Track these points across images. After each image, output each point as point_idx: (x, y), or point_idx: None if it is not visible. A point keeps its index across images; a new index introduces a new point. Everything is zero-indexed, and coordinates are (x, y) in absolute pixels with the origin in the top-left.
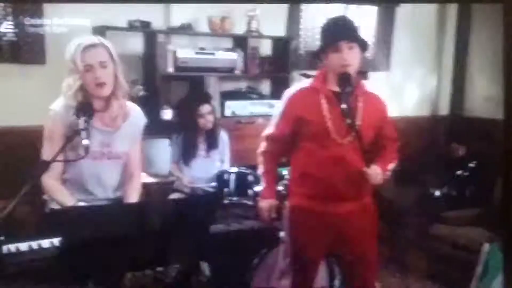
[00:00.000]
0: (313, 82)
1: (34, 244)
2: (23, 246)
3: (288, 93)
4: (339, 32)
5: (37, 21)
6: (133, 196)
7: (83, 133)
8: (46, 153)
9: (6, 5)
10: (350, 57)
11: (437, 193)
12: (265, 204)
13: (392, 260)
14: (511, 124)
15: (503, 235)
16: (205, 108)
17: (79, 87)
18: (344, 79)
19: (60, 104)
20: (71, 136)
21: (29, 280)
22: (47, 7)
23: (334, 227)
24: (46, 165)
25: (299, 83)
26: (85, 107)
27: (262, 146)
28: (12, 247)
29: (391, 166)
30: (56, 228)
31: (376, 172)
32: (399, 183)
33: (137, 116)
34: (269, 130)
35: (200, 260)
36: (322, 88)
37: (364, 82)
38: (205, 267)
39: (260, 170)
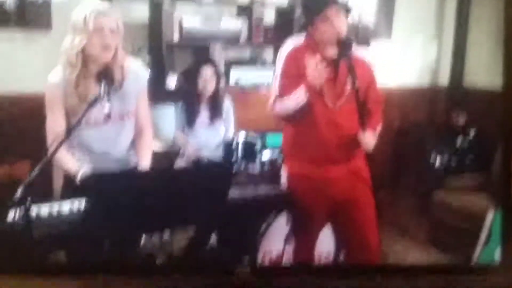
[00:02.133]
0: (305, 41)
1: (55, 208)
2: (44, 210)
3: (284, 51)
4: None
5: None
6: (145, 154)
7: (106, 98)
8: (51, 124)
9: None
10: (339, 25)
11: (438, 160)
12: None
13: (393, 226)
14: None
15: (502, 201)
16: (207, 69)
17: (81, 48)
18: (346, 45)
19: (57, 74)
20: (93, 101)
21: (51, 242)
22: None
23: (328, 190)
24: (67, 133)
25: (292, 40)
26: (107, 73)
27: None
28: (35, 209)
29: (378, 129)
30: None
31: (371, 139)
32: (400, 151)
33: (136, 73)
34: (276, 92)
35: (214, 228)
36: (316, 50)
37: (352, 46)
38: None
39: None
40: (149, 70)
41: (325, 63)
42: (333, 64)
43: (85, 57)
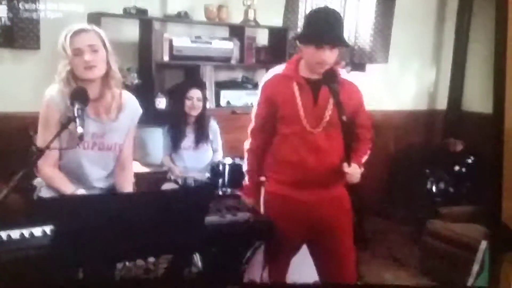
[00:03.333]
0: (285, 69)
1: (26, 232)
2: (15, 233)
3: (263, 80)
4: (326, 33)
5: (32, 6)
6: (126, 186)
7: (78, 121)
8: (41, 140)
9: None
10: (329, 58)
11: (434, 188)
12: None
13: (387, 255)
14: (501, 120)
15: (491, 232)
16: (194, 93)
17: (68, 73)
18: (330, 74)
19: (54, 90)
20: (66, 123)
21: (20, 268)
22: None
23: (306, 214)
24: (40, 153)
25: (274, 68)
26: (80, 94)
27: (248, 142)
28: (3, 234)
29: (365, 159)
30: (46, 217)
31: (356, 171)
32: (396, 177)
33: (133, 107)
34: (252, 124)
35: (193, 252)
36: (295, 75)
37: (339, 70)
38: (197, 259)
39: (245, 167)
40: (138, 91)
41: (306, 86)
42: (314, 88)
43: (76, 80)
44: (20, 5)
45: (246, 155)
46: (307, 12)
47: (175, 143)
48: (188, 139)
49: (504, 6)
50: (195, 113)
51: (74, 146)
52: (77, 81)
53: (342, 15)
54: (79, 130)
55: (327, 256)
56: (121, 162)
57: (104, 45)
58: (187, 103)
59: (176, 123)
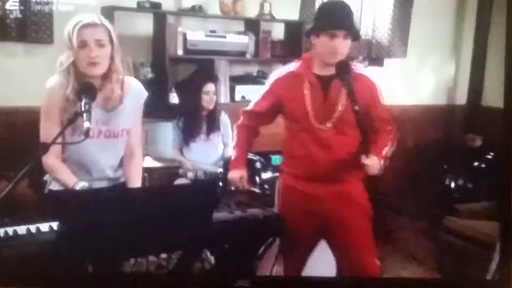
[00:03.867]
0: (298, 67)
1: (33, 228)
2: (22, 229)
3: (274, 75)
4: (338, 19)
5: (44, 0)
6: (135, 176)
7: (85, 115)
8: (44, 131)
9: None
10: (342, 46)
11: (452, 184)
12: (235, 174)
13: (402, 251)
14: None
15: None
16: (210, 87)
17: (70, 65)
18: (342, 67)
19: (54, 80)
20: (73, 118)
21: (27, 264)
22: None
23: (319, 208)
24: (46, 147)
25: (287, 66)
26: (88, 89)
27: (240, 120)
28: (10, 230)
29: (387, 150)
30: (55, 211)
31: (375, 163)
32: (413, 173)
33: (137, 92)
34: (249, 106)
35: (202, 247)
36: (306, 73)
37: (353, 63)
38: (208, 255)
39: (234, 142)
40: (152, 85)
41: (317, 84)
42: (325, 84)
43: (77, 73)
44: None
45: (236, 131)
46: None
47: (187, 136)
48: (200, 132)
49: None
50: (211, 106)
51: (81, 140)
52: (78, 74)
53: (359, 7)
54: (86, 124)
55: (343, 252)
56: (130, 150)
57: (111, 40)
58: (205, 97)
59: (191, 117)
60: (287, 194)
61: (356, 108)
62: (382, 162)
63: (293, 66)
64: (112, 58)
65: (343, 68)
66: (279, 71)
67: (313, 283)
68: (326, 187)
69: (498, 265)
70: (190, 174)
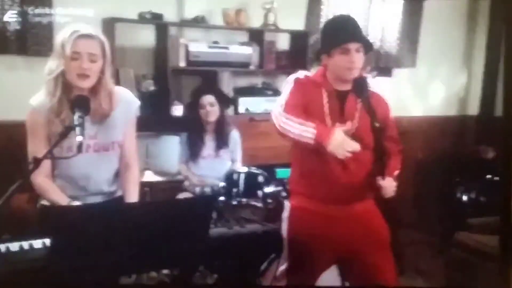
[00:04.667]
0: (314, 76)
1: (26, 244)
2: (14, 246)
3: (294, 76)
4: (348, 33)
5: (45, 12)
6: (132, 189)
7: (78, 129)
8: (31, 149)
9: None
10: (358, 60)
11: (464, 198)
12: (337, 133)
13: (412, 267)
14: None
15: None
16: (206, 99)
17: (59, 74)
18: (361, 83)
19: (40, 98)
20: (65, 132)
21: (19, 282)
22: None
23: (337, 230)
24: (37, 163)
25: (301, 72)
26: (81, 102)
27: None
28: (2, 246)
29: (397, 173)
30: (48, 227)
31: (391, 184)
32: (424, 186)
33: (127, 103)
34: (283, 102)
35: (199, 263)
36: (324, 83)
37: (369, 79)
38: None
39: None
40: (154, 97)
41: (335, 97)
42: (341, 98)
43: (65, 83)
44: (33, 11)
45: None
46: (325, 21)
47: (193, 151)
48: (208, 148)
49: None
50: (211, 119)
51: (73, 155)
52: (66, 85)
53: (367, 17)
54: (79, 139)
55: (365, 273)
56: (125, 162)
57: (104, 54)
58: (201, 110)
59: (195, 131)
60: (299, 217)
61: (377, 124)
62: (396, 183)
63: (308, 73)
64: (102, 72)
65: (361, 84)
66: (297, 74)
67: None
68: (345, 207)
69: (498, 274)
70: (195, 189)
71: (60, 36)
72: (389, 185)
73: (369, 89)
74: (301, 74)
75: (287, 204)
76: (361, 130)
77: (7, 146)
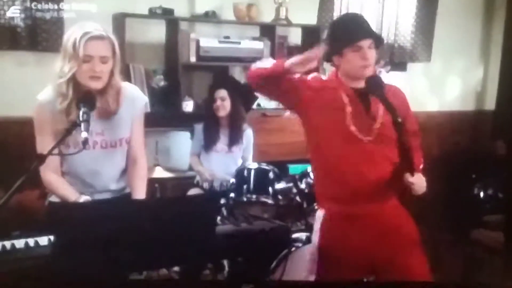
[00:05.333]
0: (328, 79)
1: (31, 241)
2: (19, 243)
3: (306, 76)
4: (359, 30)
5: (55, 7)
6: (139, 185)
7: (83, 125)
8: (39, 145)
9: None
10: (371, 56)
11: (481, 194)
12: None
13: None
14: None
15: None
16: (218, 93)
17: (72, 76)
18: (375, 81)
19: (47, 94)
20: (70, 128)
21: (25, 279)
22: None
23: (370, 232)
24: (41, 159)
25: (315, 75)
26: (87, 98)
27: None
28: (7, 243)
29: (421, 167)
30: (55, 224)
31: (421, 180)
32: (439, 183)
33: (133, 99)
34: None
35: (206, 261)
36: (341, 85)
37: (381, 74)
38: (225, 264)
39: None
40: (164, 93)
41: (354, 96)
42: (362, 97)
43: (76, 85)
44: (43, 7)
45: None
46: (331, 22)
47: (207, 143)
48: (221, 142)
49: None
50: (223, 113)
51: (78, 151)
52: (77, 86)
53: (380, 11)
54: (84, 135)
55: (403, 275)
56: (132, 157)
57: (114, 53)
58: (214, 104)
59: (209, 125)
60: (332, 226)
61: (399, 119)
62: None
63: (322, 76)
64: (112, 72)
65: (375, 82)
66: (311, 75)
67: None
68: (373, 206)
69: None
70: (205, 184)
71: (71, 37)
72: (420, 181)
73: (384, 85)
74: (310, 75)
75: (318, 215)
76: (385, 127)
77: (17, 142)
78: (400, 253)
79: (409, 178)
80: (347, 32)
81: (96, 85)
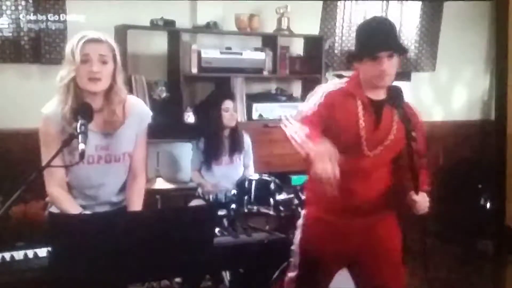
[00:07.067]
0: (348, 85)
1: (30, 253)
2: (19, 254)
3: (324, 88)
4: (380, 41)
5: (58, 20)
6: (136, 199)
7: (80, 137)
8: (44, 158)
9: (28, 4)
10: (389, 67)
11: (488, 205)
12: (321, 147)
13: (433, 277)
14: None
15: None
16: (229, 104)
17: (71, 81)
18: (397, 92)
19: (52, 106)
20: (67, 140)
21: None
22: (70, 5)
23: (350, 242)
24: (39, 170)
25: (332, 82)
26: (84, 109)
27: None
28: (6, 255)
29: (428, 189)
30: (54, 234)
31: (425, 200)
32: (446, 193)
33: (139, 113)
34: (303, 114)
35: (202, 274)
36: (358, 93)
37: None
38: (225, 276)
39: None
40: (166, 104)
41: (369, 107)
42: (378, 109)
43: (76, 91)
44: (47, 20)
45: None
46: (359, 24)
47: (209, 157)
48: (223, 154)
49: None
50: (233, 124)
51: (75, 163)
52: (78, 91)
53: None
54: (81, 146)
55: (371, 282)
56: (133, 172)
57: (115, 58)
58: (225, 115)
59: (212, 137)
60: (313, 226)
61: (413, 134)
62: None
63: (340, 83)
64: (113, 77)
65: (396, 93)
66: (327, 86)
67: None
68: (363, 219)
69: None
70: (209, 196)
71: (70, 44)
72: (423, 200)
73: (403, 97)
74: (332, 85)
75: (302, 212)
76: (395, 143)
77: (22, 155)
78: (373, 262)
79: (413, 196)
80: (368, 41)
81: (96, 87)
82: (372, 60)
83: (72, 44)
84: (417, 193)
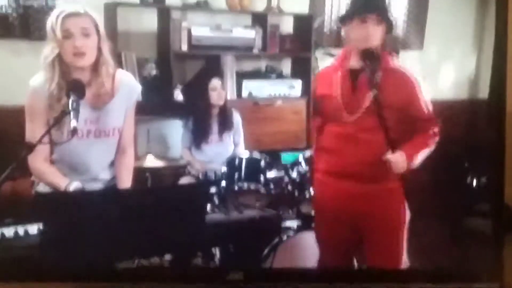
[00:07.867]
0: (335, 60)
1: (21, 230)
2: (9, 231)
3: (318, 75)
4: (371, 4)
5: None
6: (125, 175)
7: (72, 114)
8: (29, 132)
9: None
10: (375, 32)
11: (474, 183)
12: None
13: (420, 255)
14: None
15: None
16: (216, 82)
17: (55, 57)
18: (368, 55)
19: (38, 79)
20: (59, 116)
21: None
22: None
23: (350, 205)
24: (30, 147)
25: (328, 61)
26: (76, 86)
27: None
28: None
29: (422, 152)
30: (42, 213)
31: (398, 159)
32: (433, 172)
33: (129, 87)
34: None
35: (196, 249)
36: (343, 65)
37: (391, 58)
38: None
39: None
40: (156, 81)
41: (348, 75)
42: (353, 75)
43: (63, 66)
44: None
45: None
46: None
47: (198, 136)
48: (212, 131)
49: None
50: (221, 102)
51: (67, 140)
52: (65, 67)
53: None
54: (73, 124)
55: (373, 253)
56: (122, 148)
57: (97, 30)
58: (213, 94)
59: (201, 116)
60: (320, 189)
61: (375, 91)
62: (409, 162)
63: (331, 61)
64: (99, 49)
65: (369, 55)
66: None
67: (305, 274)
68: (359, 184)
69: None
70: (199, 174)
71: (49, 21)
72: (396, 160)
73: (387, 64)
74: (326, 63)
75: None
76: (374, 107)
77: (11, 131)
78: (373, 231)
79: (387, 155)
80: (359, 2)
81: (82, 62)
82: (360, 22)
83: (51, 21)
84: (392, 151)
